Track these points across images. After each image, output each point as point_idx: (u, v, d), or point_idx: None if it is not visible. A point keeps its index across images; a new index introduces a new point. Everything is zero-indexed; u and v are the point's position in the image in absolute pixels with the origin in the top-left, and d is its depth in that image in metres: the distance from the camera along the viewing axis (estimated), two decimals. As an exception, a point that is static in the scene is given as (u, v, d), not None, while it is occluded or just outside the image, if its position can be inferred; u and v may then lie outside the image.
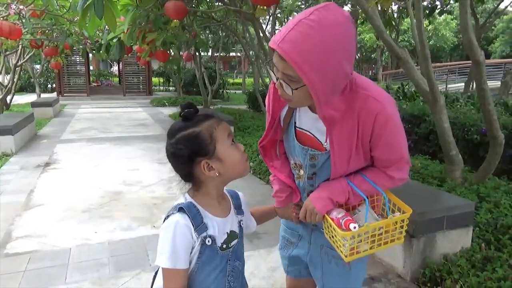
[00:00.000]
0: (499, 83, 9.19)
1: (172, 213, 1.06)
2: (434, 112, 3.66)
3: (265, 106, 1.41)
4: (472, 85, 12.40)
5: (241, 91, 19.66)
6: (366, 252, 1.16)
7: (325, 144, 1.19)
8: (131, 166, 5.32)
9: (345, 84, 1.07)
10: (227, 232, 1.11)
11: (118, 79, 20.63)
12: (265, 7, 2.84)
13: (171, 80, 19.79)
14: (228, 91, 17.70)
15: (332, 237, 1.18)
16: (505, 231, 2.74)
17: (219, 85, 14.02)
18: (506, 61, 16.51)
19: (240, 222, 1.18)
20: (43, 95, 14.32)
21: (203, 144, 1.03)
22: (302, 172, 1.29)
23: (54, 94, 15.71)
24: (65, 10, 6.32)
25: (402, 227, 1.16)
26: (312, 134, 1.21)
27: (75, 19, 7.20)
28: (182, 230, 1.02)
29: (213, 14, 7.40)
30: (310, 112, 1.21)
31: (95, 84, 18.79)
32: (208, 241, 1.06)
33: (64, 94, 16.07)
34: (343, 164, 1.17)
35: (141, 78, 17.73)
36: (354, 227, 1.08)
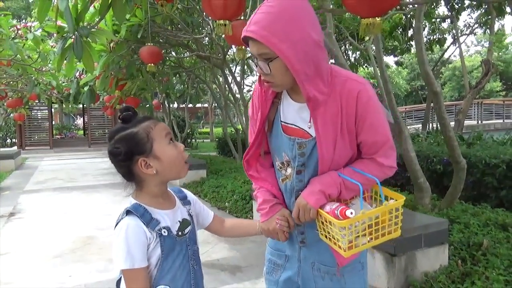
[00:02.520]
0: (453, 122, 9.86)
1: (122, 218, 1.10)
2: (400, 143, 3.89)
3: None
4: (429, 125, 13.19)
5: (209, 139, 19.80)
6: (365, 245, 1.13)
7: (309, 125, 1.20)
8: (103, 212, 5.16)
9: (321, 56, 1.13)
10: (179, 221, 1.17)
11: (82, 131, 20.25)
12: (243, 47, 3.01)
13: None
14: (197, 140, 17.77)
15: (328, 233, 1.16)
16: (477, 248, 2.88)
17: (187, 134, 14.10)
18: (456, 103, 17.83)
19: (189, 211, 1.24)
20: (2, 149, 13.78)
21: (140, 143, 1.09)
22: (289, 170, 1.27)
23: (14, 148, 15.14)
24: (32, 61, 6.33)
25: (397, 217, 1.16)
26: (298, 126, 1.24)
27: (43, 68, 7.22)
28: (134, 231, 1.06)
29: (182, 62, 7.64)
30: (293, 102, 1.25)
31: (59, 136, 18.32)
32: (165, 232, 1.11)
33: (26, 148, 15.52)
34: (329, 148, 1.18)
35: (106, 130, 17.54)
36: (351, 213, 1.07)
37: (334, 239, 1.14)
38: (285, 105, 1.27)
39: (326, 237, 1.19)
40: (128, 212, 1.10)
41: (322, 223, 1.18)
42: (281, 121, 1.27)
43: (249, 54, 1.24)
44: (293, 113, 1.25)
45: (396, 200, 1.17)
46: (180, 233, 1.16)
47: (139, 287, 1.06)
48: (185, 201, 1.27)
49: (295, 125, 1.24)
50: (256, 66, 1.16)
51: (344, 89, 1.16)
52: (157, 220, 1.11)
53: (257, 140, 1.31)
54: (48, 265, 3.29)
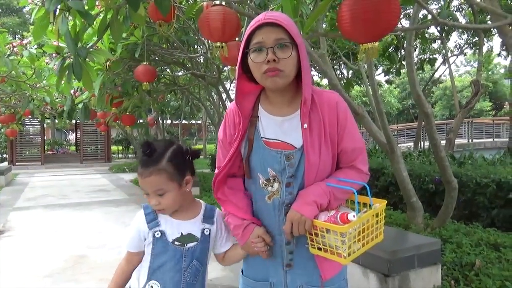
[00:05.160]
0: (444, 141, 10.00)
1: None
2: (392, 162, 3.94)
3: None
4: (420, 144, 13.34)
5: (202, 156, 19.76)
6: (359, 251, 1.16)
7: (305, 126, 1.22)
8: (94, 230, 5.10)
9: (309, 70, 1.24)
10: (181, 232, 1.30)
11: (74, 147, 20.10)
12: (237, 67, 3.06)
13: (130, 147, 19.63)
14: (190, 156, 17.72)
15: (323, 246, 1.15)
16: (470, 268, 2.90)
17: (180, 150, 14.08)
18: (447, 122, 18.10)
19: (203, 230, 1.32)
20: (-7, 165, 13.63)
21: None
22: (276, 185, 1.25)
23: (4, 164, 14.97)
24: (26, 77, 6.34)
25: (379, 222, 1.21)
26: (280, 140, 1.25)
27: (37, 85, 7.22)
28: (135, 222, 1.32)
29: (177, 80, 7.70)
30: (273, 117, 1.27)
31: (50, 152, 18.17)
32: (157, 234, 1.28)
33: (16, 163, 15.37)
34: (315, 156, 1.21)
35: (99, 146, 17.46)
36: (354, 216, 1.08)
37: (332, 248, 1.13)
38: (264, 121, 1.28)
39: (320, 249, 1.17)
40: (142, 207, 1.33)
41: (316, 234, 1.17)
42: (261, 137, 1.27)
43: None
44: (274, 127, 1.27)
45: (379, 205, 1.21)
46: (177, 243, 1.28)
47: (122, 263, 1.35)
48: (208, 220, 1.35)
49: (277, 140, 1.26)
50: (266, 54, 1.16)
51: (323, 100, 1.24)
52: (158, 222, 1.30)
53: (230, 161, 1.30)
54: (38, 285, 3.24)
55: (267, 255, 1.28)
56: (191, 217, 1.33)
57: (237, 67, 1.26)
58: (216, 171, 1.35)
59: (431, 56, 10.86)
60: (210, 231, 1.33)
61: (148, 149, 1.23)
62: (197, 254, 1.29)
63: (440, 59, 12.52)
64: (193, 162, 1.34)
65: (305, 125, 1.21)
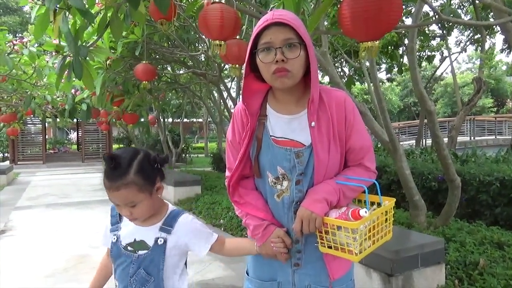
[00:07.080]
0: (446, 138, 9.96)
1: None
2: (395, 160, 3.91)
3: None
4: (422, 142, 13.30)
5: (203, 155, 19.76)
6: (370, 248, 1.14)
7: (313, 124, 1.22)
8: (96, 229, 5.09)
9: (317, 69, 1.24)
10: (135, 238, 1.27)
11: (76, 146, 20.11)
12: (237, 66, 3.04)
13: (131, 145, 19.67)
14: (191, 155, 17.71)
15: (334, 244, 1.13)
16: (474, 268, 2.88)
17: (182, 149, 14.06)
18: (449, 119, 18.04)
19: (157, 239, 1.25)
20: (-6, 164, 13.63)
21: None
22: (285, 183, 1.25)
23: (6, 163, 14.99)
24: (27, 76, 6.33)
25: (387, 220, 1.20)
26: (288, 138, 1.25)
27: (38, 83, 7.21)
28: (106, 222, 1.36)
29: (178, 78, 7.68)
30: (281, 116, 1.27)
31: (52, 151, 18.17)
32: (114, 238, 1.30)
33: (18, 162, 15.37)
34: (324, 154, 1.21)
35: (100, 145, 17.46)
36: (365, 211, 1.07)
37: (343, 245, 1.12)
38: (272, 120, 1.29)
39: (330, 247, 1.17)
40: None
41: (326, 232, 1.16)
42: (270, 135, 1.27)
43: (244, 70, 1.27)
44: (283, 126, 1.27)
45: (388, 202, 1.22)
46: (130, 248, 1.27)
47: (103, 258, 1.45)
48: (166, 229, 1.27)
49: (285, 138, 1.26)
50: (275, 55, 1.17)
51: (331, 99, 1.24)
52: (118, 226, 1.32)
53: (242, 162, 1.30)
54: (40, 285, 3.23)
55: (285, 257, 1.26)
56: (152, 223, 1.28)
57: (244, 66, 1.26)
58: (227, 173, 1.36)
59: (429, 53, 10.82)
60: (165, 241, 1.25)
61: (112, 162, 1.16)
62: (146, 263, 1.24)
63: (438, 56, 12.49)
64: (162, 168, 1.28)
65: (313, 123, 1.22)
